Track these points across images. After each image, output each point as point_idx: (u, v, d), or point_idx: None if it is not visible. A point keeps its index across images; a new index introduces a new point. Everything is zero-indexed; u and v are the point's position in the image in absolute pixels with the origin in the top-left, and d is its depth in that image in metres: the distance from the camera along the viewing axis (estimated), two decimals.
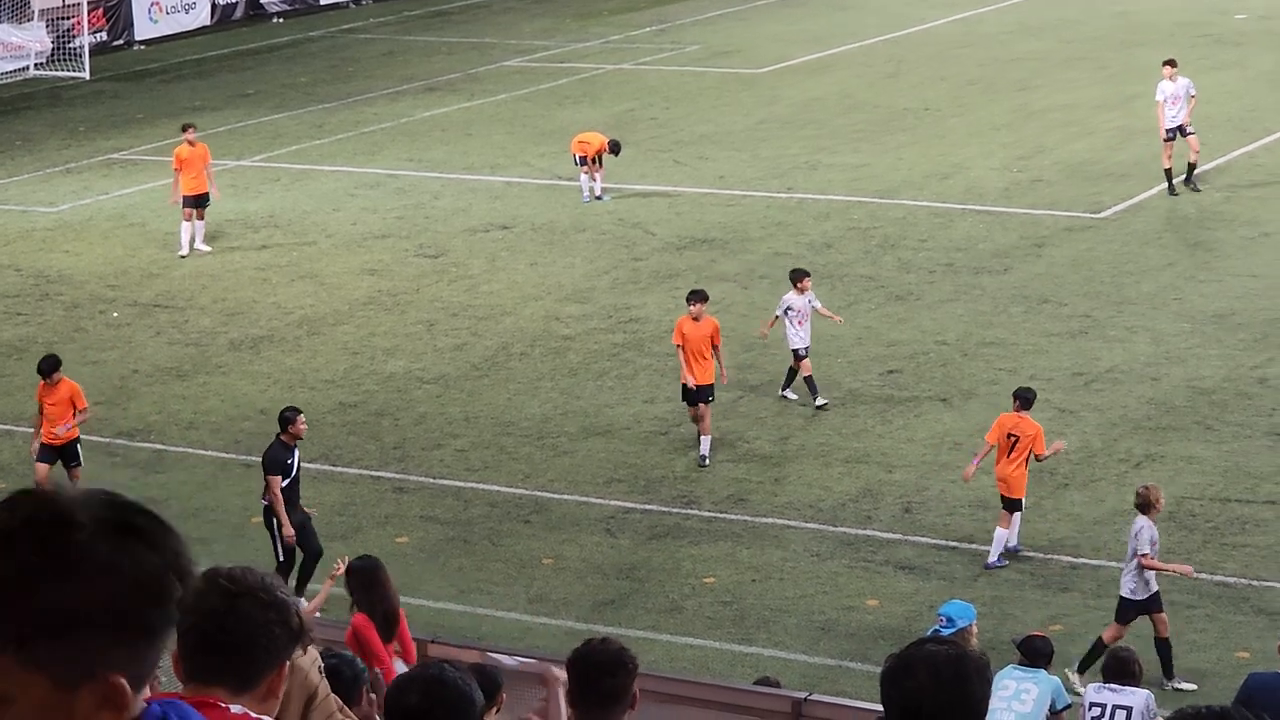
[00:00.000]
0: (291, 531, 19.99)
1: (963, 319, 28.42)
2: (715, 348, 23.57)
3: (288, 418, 20.14)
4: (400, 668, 15.04)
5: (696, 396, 23.40)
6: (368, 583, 14.99)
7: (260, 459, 20.43)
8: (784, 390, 25.51)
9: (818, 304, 25.62)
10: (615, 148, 35.52)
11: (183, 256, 32.71)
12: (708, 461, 23.29)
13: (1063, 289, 29.63)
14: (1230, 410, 24.68)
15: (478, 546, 21.57)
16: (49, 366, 22.70)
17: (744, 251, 32.21)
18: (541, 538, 21.76)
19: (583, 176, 35.60)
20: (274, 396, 26.23)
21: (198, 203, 32.88)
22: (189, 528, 22.10)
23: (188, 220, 32.92)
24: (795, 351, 25.19)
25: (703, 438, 23.41)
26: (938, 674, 4.31)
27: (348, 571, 15.39)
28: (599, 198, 35.47)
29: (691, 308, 23.67)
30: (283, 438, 20.05)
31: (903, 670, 4.34)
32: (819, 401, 24.96)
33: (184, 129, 33.61)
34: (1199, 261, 30.91)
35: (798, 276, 25.64)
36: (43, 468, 22.44)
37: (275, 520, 20.01)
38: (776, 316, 25.45)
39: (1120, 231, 32.66)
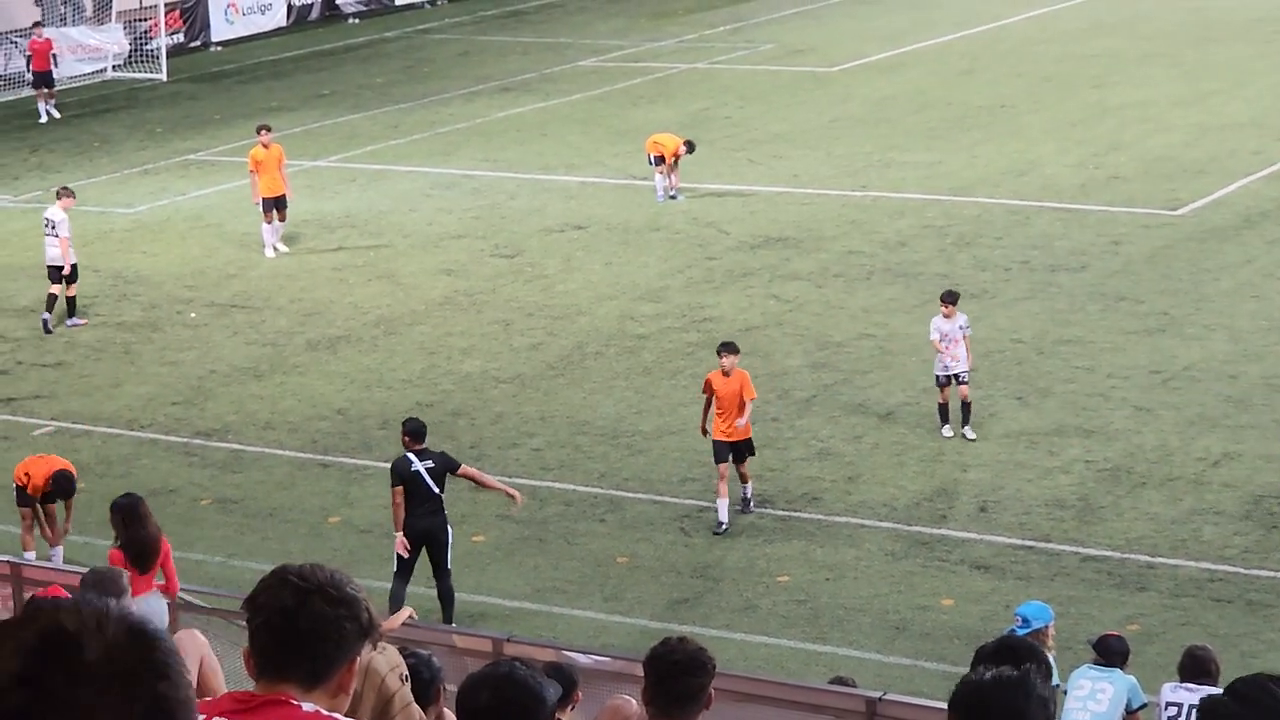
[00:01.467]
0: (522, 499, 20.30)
1: (1039, 317, 28.30)
2: (747, 397, 21.96)
3: (425, 424, 20.30)
4: (158, 599, 15.95)
5: (734, 453, 21.91)
6: (125, 519, 16.81)
7: (435, 467, 19.58)
8: (963, 428, 24.00)
9: (969, 331, 24.17)
10: (691, 147, 35.58)
11: (271, 256, 32.91)
12: (752, 507, 22.09)
13: (1140, 286, 29.49)
14: None
15: (553, 545, 21.61)
16: (72, 489, 21.09)
17: (818, 250, 32.17)
18: (616, 536, 21.79)
19: (657, 176, 35.64)
20: (351, 396, 26.38)
21: (277, 204, 33.06)
22: (265, 527, 22.30)
23: (269, 222, 33.10)
24: (936, 377, 24.08)
25: (744, 485, 22.12)
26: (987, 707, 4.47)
27: (111, 508, 16.50)
28: (673, 197, 35.50)
29: (723, 360, 22.03)
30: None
31: (962, 701, 4.50)
32: (945, 431, 23.99)
33: (259, 130, 33.78)
34: (1277, 258, 30.70)
35: (943, 300, 24.37)
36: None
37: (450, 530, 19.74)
38: (932, 342, 24.15)
39: (1198, 228, 32.47)
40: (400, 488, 19.58)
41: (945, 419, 24.05)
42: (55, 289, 29.87)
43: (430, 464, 19.61)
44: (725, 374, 21.98)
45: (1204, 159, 36.78)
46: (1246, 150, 37.28)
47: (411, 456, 19.66)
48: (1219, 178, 35.32)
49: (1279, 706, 5.28)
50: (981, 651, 7.61)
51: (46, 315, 29.78)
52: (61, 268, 29.77)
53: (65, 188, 31.23)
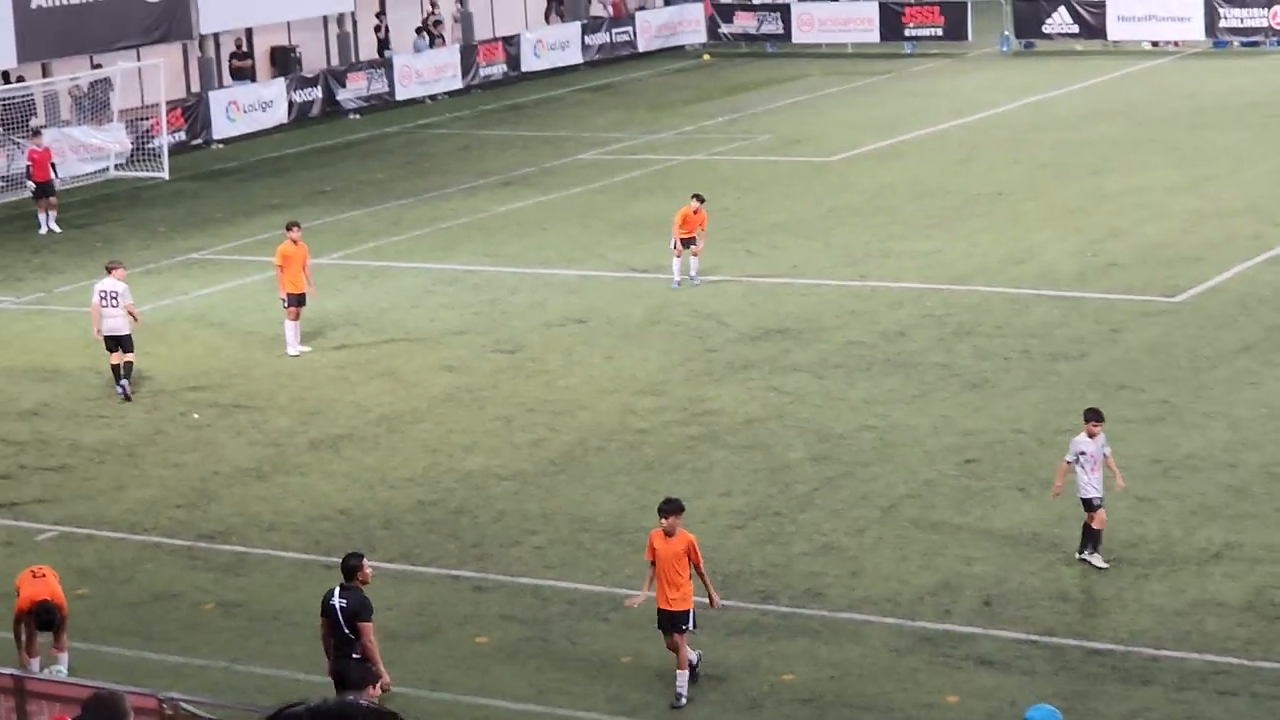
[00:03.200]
0: (388, 682, 19.09)
1: (1039, 407, 28.36)
2: (696, 566, 19.95)
3: (356, 565, 19.10)
4: None
5: (670, 624, 19.97)
6: None
7: (347, 607, 18.76)
8: (1081, 552, 22.79)
9: (1108, 450, 22.86)
10: (699, 199, 36.27)
11: (295, 354, 33.05)
12: (684, 701, 19.79)
13: (1140, 374, 29.57)
14: None
15: (556, 645, 21.58)
16: (51, 622, 20.41)
17: (818, 341, 32.28)
18: (620, 635, 21.75)
19: (675, 261, 35.93)
20: (354, 496, 26.41)
21: (300, 301, 33.18)
22: (269, 630, 22.25)
23: (292, 320, 33.19)
24: (1088, 501, 22.68)
25: (678, 673, 19.91)
26: None
27: None
28: (691, 278, 35.83)
29: (664, 521, 19.96)
30: (356, 583, 19.02)
31: None
32: (1098, 561, 22.61)
33: (289, 227, 33.98)
34: (1275, 344, 30.79)
35: (1089, 418, 22.91)
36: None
37: (371, 673, 18.35)
38: (1068, 463, 22.81)
39: (1196, 315, 32.59)
40: (324, 619, 19.05)
41: (1097, 545, 22.82)
42: (115, 358, 31.41)
43: (345, 603, 18.83)
44: (668, 534, 20.02)
45: (1201, 245, 36.93)
46: (1244, 235, 37.45)
47: (336, 590, 19.04)
48: (1216, 264, 35.46)
49: None
50: None
51: (124, 382, 31.36)
52: (122, 337, 31.36)
53: (114, 260, 32.94)
